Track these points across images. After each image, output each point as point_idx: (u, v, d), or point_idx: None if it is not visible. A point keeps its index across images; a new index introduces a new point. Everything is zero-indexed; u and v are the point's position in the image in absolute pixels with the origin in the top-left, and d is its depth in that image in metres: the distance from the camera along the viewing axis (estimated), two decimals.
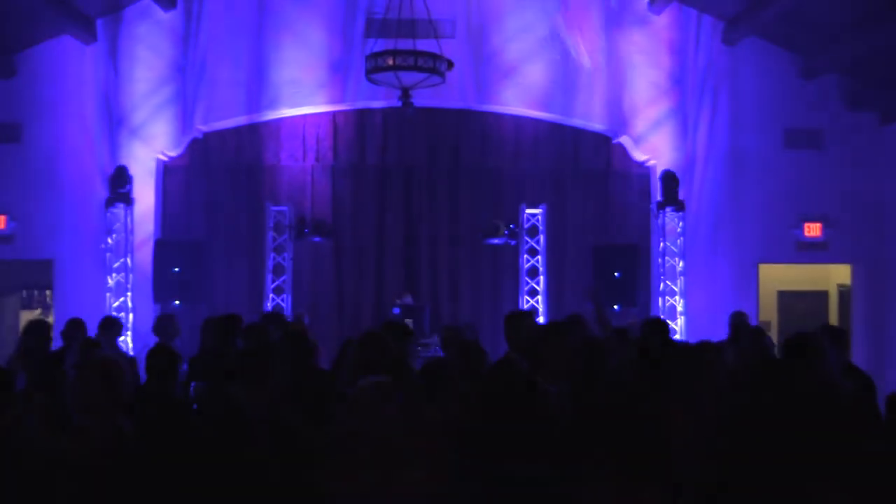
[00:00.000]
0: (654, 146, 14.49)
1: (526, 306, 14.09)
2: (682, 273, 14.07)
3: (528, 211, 14.29)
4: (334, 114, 14.78)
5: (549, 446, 4.00)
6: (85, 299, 13.73)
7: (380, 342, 5.80)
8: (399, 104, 11.47)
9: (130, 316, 13.85)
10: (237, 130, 14.78)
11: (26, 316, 16.23)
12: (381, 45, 11.74)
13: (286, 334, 7.18)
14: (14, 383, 5.45)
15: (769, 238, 14.29)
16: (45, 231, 14.11)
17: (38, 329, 8.17)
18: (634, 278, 13.71)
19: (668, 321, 9.37)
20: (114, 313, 13.62)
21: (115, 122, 14.32)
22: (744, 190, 14.31)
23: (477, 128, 14.85)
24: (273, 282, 14.15)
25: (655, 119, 14.45)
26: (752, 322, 13.01)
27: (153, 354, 6.35)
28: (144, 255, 13.99)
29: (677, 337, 13.49)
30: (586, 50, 14.30)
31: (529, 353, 5.72)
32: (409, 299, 14.29)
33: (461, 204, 15.04)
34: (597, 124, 14.56)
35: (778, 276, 15.49)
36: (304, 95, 14.42)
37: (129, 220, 13.92)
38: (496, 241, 14.24)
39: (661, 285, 14.13)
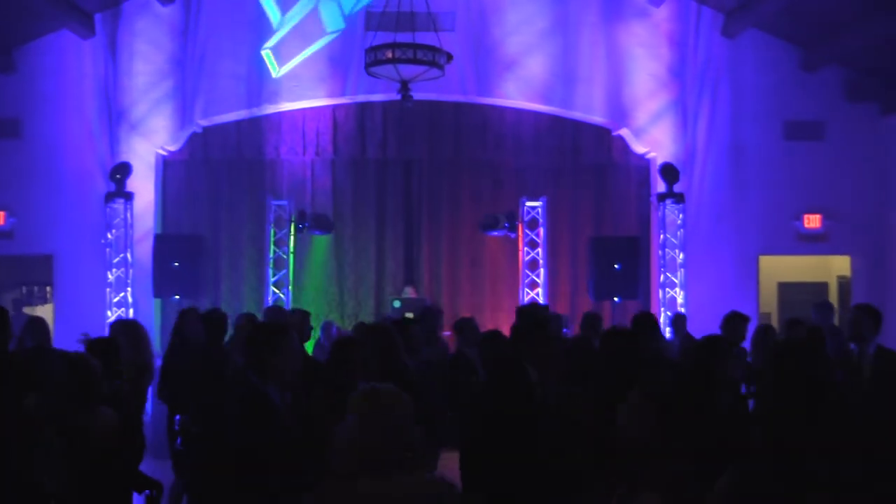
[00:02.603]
0: (654, 138, 14.48)
1: (526, 299, 14.10)
2: (683, 265, 14.07)
3: (529, 203, 14.27)
4: (334, 107, 14.77)
5: None
6: (85, 294, 13.77)
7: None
8: (399, 97, 11.46)
9: (131, 311, 13.83)
10: (237, 124, 14.77)
11: (26, 312, 16.20)
12: (380, 38, 11.69)
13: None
14: None
15: (769, 230, 14.31)
16: (45, 226, 14.09)
17: None
18: (635, 270, 13.71)
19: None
20: (112, 310, 13.66)
21: (114, 117, 14.30)
22: (744, 182, 14.32)
23: (477, 121, 14.84)
24: (273, 276, 14.13)
25: (655, 111, 14.44)
26: (753, 314, 13.07)
27: None
28: (144, 249, 13.96)
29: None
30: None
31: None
32: (410, 293, 14.30)
33: (461, 197, 15.04)
34: (597, 117, 14.55)
35: (778, 268, 15.51)
36: (303, 89, 14.39)
37: (128, 214, 13.89)
38: (496, 232, 14.23)
39: (662, 277, 14.13)
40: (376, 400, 3.63)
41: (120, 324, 7.98)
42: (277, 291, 14.10)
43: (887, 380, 6.58)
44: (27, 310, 15.75)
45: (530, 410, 5.08)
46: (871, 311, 7.31)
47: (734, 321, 8.46)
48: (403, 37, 11.42)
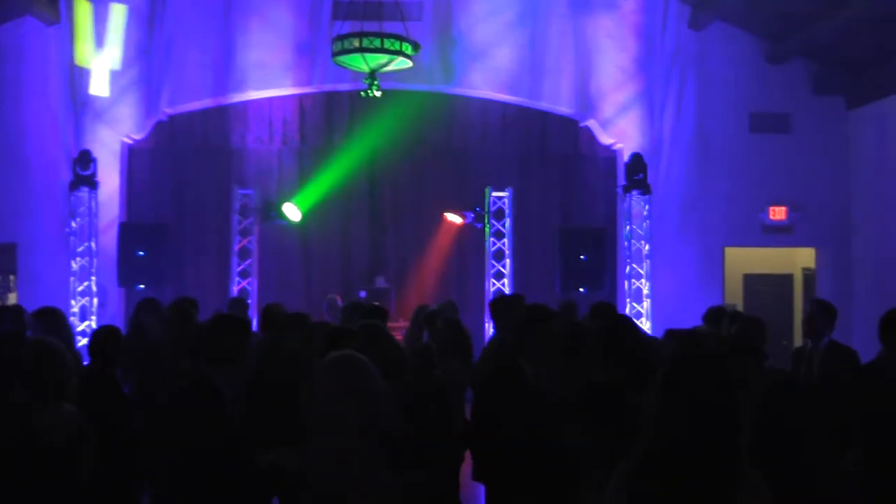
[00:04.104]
0: (620, 130, 14.52)
1: (492, 289, 14.11)
2: (649, 256, 14.11)
3: (495, 194, 14.30)
4: (301, 96, 14.73)
5: None
6: (49, 283, 13.64)
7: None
8: (365, 87, 11.43)
9: (94, 300, 13.74)
10: (203, 113, 14.71)
11: None
12: (347, 27, 11.68)
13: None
14: None
15: (735, 221, 14.38)
16: (9, 214, 13.96)
17: None
18: (601, 261, 13.75)
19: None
20: (77, 299, 13.56)
21: (79, 105, 14.18)
22: (710, 173, 14.39)
23: (444, 111, 14.83)
24: (239, 265, 14.08)
25: (622, 103, 14.47)
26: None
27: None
28: (109, 238, 13.87)
29: (643, 320, 13.58)
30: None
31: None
32: (381, 281, 14.29)
33: (428, 187, 15.03)
34: (564, 108, 14.57)
35: (744, 260, 15.59)
36: (270, 78, 14.34)
37: (93, 203, 13.78)
38: (459, 218, 14.34)
39: (628, 268, 14.16)
40: (334, 364, 3.84)
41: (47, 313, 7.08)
42: (242, 280, 14.06)
43: (836, 374, 6.64)
44: None
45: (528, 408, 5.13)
46: (827, 306, 7.40)
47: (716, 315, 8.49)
48: (371, 26, 11.43)
